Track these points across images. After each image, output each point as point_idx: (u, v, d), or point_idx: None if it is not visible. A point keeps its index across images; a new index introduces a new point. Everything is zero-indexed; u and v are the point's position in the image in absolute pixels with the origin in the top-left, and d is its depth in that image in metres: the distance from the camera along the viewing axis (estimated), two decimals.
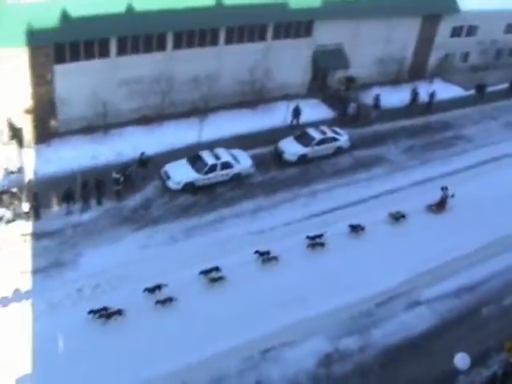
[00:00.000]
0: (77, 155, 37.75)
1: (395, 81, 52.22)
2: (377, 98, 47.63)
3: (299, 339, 29.28)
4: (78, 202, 34.75)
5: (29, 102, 38.32)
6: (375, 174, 41.52)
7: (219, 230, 34.86)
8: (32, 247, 32.07)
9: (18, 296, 29.44)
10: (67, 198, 34.18)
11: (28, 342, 27.26)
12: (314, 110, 46.57)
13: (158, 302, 29.31)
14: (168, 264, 31.41)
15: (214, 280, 30.89)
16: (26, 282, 30.17)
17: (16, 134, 38.43)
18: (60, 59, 38.26)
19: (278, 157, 41.40)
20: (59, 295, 29.30)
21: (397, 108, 48.84)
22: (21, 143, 38.00)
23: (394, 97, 49.61)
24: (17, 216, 33.28)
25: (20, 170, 36.50)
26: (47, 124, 39.11)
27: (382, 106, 47.67)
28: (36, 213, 33.49)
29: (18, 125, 38.48)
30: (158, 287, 29.68)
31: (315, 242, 34.09)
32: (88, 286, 30.05)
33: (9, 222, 33.08)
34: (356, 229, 35.30)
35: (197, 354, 27.57)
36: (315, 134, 42.04)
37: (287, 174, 40.47)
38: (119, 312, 28.55)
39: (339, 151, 42.78)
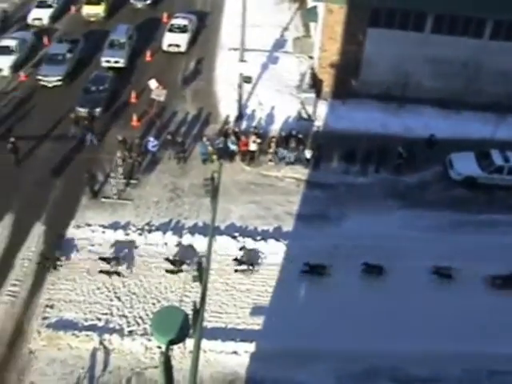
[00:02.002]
0: (367, 119, 37.64)
1: None
2: None
3: None
4: (357, 165, 34.85)
5: (335, 58, 38.91)
6: None
7: (488, 233, 32.44)
8: (303, 193, 33.08)
9: (276, 234, 30.69)
10: (348, 157, 34.48)
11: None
12: None
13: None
14: (424, 252, 29.94)
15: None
16: (287, 224, 31.27)
17: (316, 84, 39.48)
18: (374, 23, 38.11)
19: None
20: (315, 245, 29.69)
21: None
22: (318, 94, 38.89)
23: None
24: (297, 161, 34.36)
25: (310, 119, 37.61)
26: (347, 82, 39.42)
27: None
28: (316, 163, 34.25)
29: (319, 76, 39.47)
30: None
31: None
32: (343, 246, 30.02)
33: (289, 163, 34.29)
34: None
35: (419, 345, 26.30)
36: None
37: None
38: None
39: None
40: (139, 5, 50.40)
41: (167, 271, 28.77)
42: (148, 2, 50.48)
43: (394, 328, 26.69)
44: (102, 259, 29.21)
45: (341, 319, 26.75)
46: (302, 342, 25.79)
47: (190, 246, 29.96)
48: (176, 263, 28.85)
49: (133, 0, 50.70)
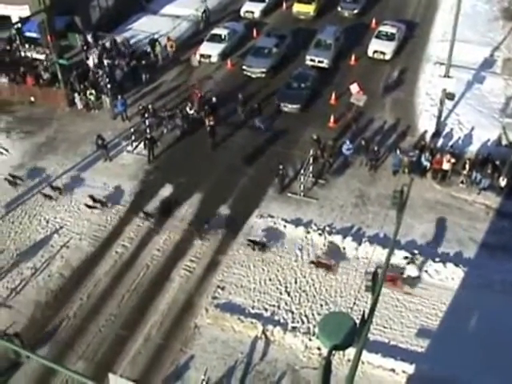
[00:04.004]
0: None
1: None
2: None
3: None
4: None
5: None
6: None
7: None
8: (490, 222, 31.57)
9: (456, 259, 29.39)
10: None
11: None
12: None
13: None
14: None
15: None
16: (469, 251, 29.96)
17: None
18: None
19: None
20: (495, 277, 28.22)
21: None
22: None
23: None
24: (490, 187, 32.72)
25: (511, 146, 35.60)
26: None
27: None
28: (510, 192, 32.46)
29: None
30: None
31: None
32: None
33: (481, 189, 32.77)
34: None
35: None
36: None
37: None
38: None
39: None
40: (346, 13, 50.42)
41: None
42: (355, 11, 50.45)
43: None
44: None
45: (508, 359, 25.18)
46: (464, 374, 24.42)
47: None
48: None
49: (340, 8, 50.83)
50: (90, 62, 43.91)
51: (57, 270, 29.79)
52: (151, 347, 26.35)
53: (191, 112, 38.26)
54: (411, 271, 28.94)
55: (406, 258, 29.03)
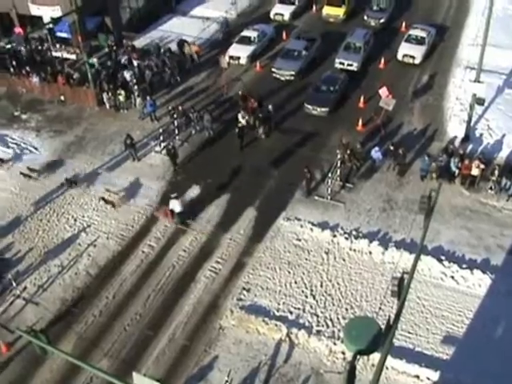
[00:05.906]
0: None
1: None
2: None
3: None
4: None
5: None
6: None
7: None
8: None
9: (483, 265, 28.97)
10: None
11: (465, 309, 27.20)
12: None
13: None
14: None
15: None
16: (497, 257, 29.52)
17: None
18: None
19: None
20: None
21: None
22: None
23: None
24: None
25: None
26: None
27: None
28: None
29: None
30: None
31: None
32: None
33: (510, 196, 32.26)
34: None
35: None
36: None
37: None
38: None
39: None
40: (372, 22, 49.59)
41: None
42: (382, 20, 49.66)
43: None
44: None
45: None
46: (489, 383, 24.08)
47: None
48: None
49: (366, 17, 50.01)
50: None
51: (83, 268, 30.10)
52: (175, 347, 26.45)
53: (243, 121, 37.74)
54: (174, 206, 31.83)
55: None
